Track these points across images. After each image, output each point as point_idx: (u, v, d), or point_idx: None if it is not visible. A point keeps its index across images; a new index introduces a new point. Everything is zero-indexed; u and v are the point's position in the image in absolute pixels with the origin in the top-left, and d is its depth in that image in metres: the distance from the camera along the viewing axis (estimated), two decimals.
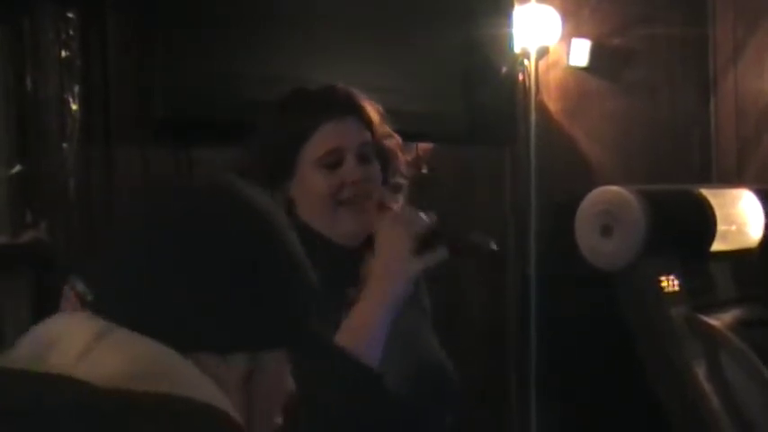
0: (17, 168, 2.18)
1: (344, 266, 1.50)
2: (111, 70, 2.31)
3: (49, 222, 2.20)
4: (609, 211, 2.68)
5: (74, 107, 2.23)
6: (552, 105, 3.28)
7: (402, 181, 1.64)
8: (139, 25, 2.32)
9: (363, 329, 1.40)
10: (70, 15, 2.22)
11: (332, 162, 1.52)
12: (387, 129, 1.62)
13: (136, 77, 2.33)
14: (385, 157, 1.60)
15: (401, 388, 1.43)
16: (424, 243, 1.43)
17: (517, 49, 3.09)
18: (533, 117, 3.08)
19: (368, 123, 1.58)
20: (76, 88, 2.24)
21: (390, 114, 1.66)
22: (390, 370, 1.41)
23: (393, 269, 1.43)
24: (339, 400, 1.36)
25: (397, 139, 1.63)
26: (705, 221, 2.80)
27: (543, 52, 3.16)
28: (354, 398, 1.37)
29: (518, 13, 3.05)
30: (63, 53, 2.22)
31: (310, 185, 1.52)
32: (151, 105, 2.32)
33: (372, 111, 1.60)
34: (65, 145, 2.22)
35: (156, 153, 2.39)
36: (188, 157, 2.43)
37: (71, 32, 2.22)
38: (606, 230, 2.67)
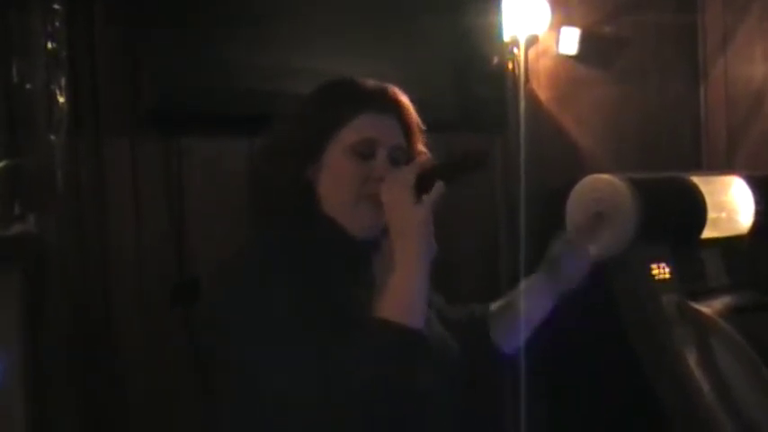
0: (5, 161, 2.17)
1: (360, 257, 1.53)
2: (99, 62, 2.30)
3: (38, 215, 2.19)
4: (600, 198, 2.67)
5: (61, 99, 2.22)
6: (542, 94, 3.28)
7: None
8: (126, 16, 2.31)
9: (399, 296, 1.40)
10: (56, 7, 2.21)
11: (364, 152, 1.52)
12: (421, 145, 1.62)
13: (123, 69, 2.32)
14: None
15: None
16: (421, 188, 1.44)
17: (507, 38, 3.08)
18: (523, 105, 3.08)
19: (406, 130, 1.59)
20: (63, 80, 2.23)
21: None
22: None
23: (406, 228, 1.43)
24: (391, 369, 1.36)
25: (429, 157, 1.60)
26: (696, 209, 2.81)
27: (533, 41, 3.16)
28: (405, 364, 1.37)
29: (507, 1, 3.05)
30: (50, 45, 2.20)
31: (337, 171, 1.52)
32: (139, 96, 2.32)
33: (414, 122, 1.61)
34: (52, 137, 2.21)
35: (144, 144, 2.39)
36: (177, 148, 2.42)
37: (57, 24, 2.21)
38: (597, 218, 2.66)
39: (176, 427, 2.38)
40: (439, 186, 1.43)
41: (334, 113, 1.53)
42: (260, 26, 2.46)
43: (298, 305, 1.40)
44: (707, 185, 2.87)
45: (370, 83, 1.58)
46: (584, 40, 3.29)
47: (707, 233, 2.84)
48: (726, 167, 3.52)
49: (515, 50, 3.11)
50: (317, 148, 1.52)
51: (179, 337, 2.39)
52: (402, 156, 1.55)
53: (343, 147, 1.52)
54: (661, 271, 2.70)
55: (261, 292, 1.42)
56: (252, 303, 1.42)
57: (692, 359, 2.56)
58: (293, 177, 1.52)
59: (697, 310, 2.64)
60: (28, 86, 2.19)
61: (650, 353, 2.63)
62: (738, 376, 2.54)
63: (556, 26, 3.24)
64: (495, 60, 3.03)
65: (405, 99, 1.60)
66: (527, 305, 1.69)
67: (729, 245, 2.94)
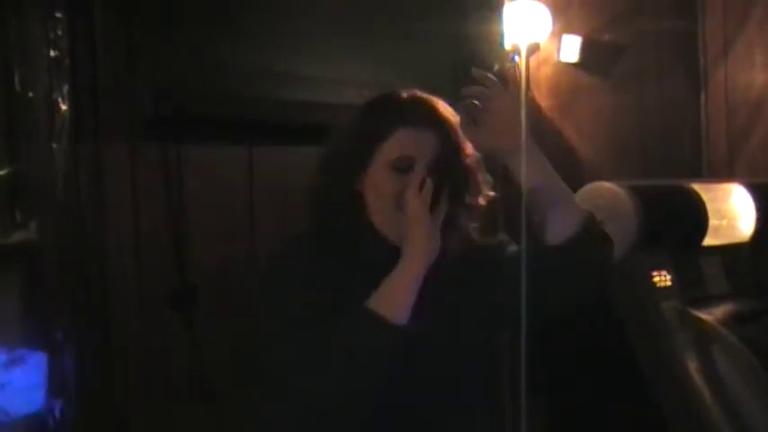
0: (6, 169, 2.17)
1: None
2: (100, 69, 2.30)
3: (39, 223, 2.19)
4: (600, 206, 2.67)
5: (63, 107, 2.22)
6: (543, 101, 3.29)
7: (480, 201, 1.70)
8: (128, 24, 2.31)
9: (389, 290, 1.52)
10: (58, 15, 2.22)
11: (402, 167, 1.60)
12: (467, 146, 1.66)
13: (125, 76, 2.33)
14: (461, 174, 1.66)
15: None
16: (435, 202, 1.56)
17: (508, 46, 3.09)
18: (523, 113, 3.07)
19: (446, 138, 1.63)
20: (65, 88, 2.23)
21: None
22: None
23: (413, 231, 1.54)
24: (371, 357, 1.48)
25: (477, 156, 1.67)
26: (696, 216, 2.81)
27: (534, 48, 3.16)
28: (377, 355, 1.48)
29: (508, 9, 3.05)
30: (51, 53, 2.21)
31: (378, 184, 1.61)
32: (140, 104, 2.32)
33: (454, 133, 1.65)
34: (54, 145, 2.21)
35: (145, 152, 2.39)
36: (177, 155, 2.42)
37: (59, 32, 2.21)
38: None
39: (177, 429, 2.39)
40: (444, 205, 1.56)
41: (375, 129, 1.62)
42: (260, 33, 2.46)
43: (309, 303, 1.53)
44: (708, 193, 2.87)
45: (410, 97, 1.65)
46: (585, 48, 3.29)
47: (708, 240, 2.84)
48: (726, 175, 3.52)
49: (516, 58, 3.11)
50: (364, 161, 1.62)
51: (180, 341, 2.40)
52: (441, 167, 1.61)
53: (383, 162, 1.61)
54: (662, 278, 2.70)
55: (278, 290, 1.59)
56: (271, 297, 1.59)
57: (692, 366, 2.56)
58: (343, 189, 1.63)
59: (698, 318, 2.64)
60: (30, 94, 2.19)
61: (651, 359, 2.63)
62: (739, 383, 2.53)
63: (557, 34, 3.25)
64: (496, 68, 3.03)
65: (444, 110, 1.65)
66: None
67: (730, 252, 2.94)
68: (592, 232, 1.63)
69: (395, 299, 1.51)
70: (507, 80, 1.62)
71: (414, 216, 1.53)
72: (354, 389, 1.48)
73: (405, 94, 1.65)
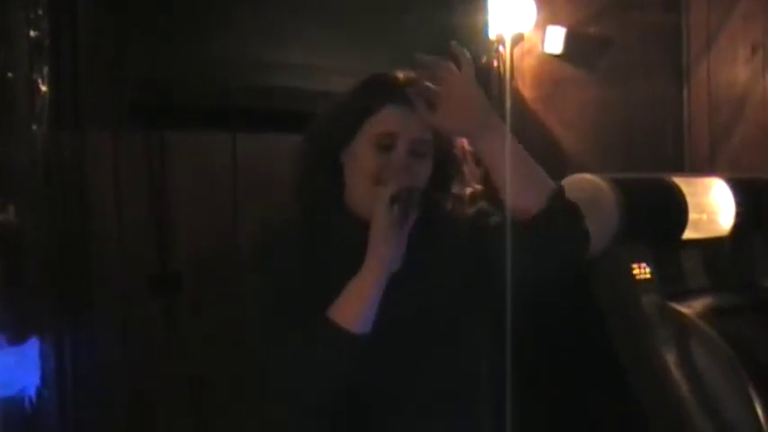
0: None
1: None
2: (82, 51, 2.28)
3: (18, 205, 2.17)
4: (582, 198, 2.65)
5: (43, 89, 2.20)
6: (527, 92, 3.29)
7: (468, 190, 1.70)
8: (111, 6, 2.29)
9: (351, 300, 1.53)
10: None
11: (384, 144, 1.59)
12: (450, 142, 1.66)
13: (107, 59, 2.30)
14: (445, 163, 1.66)
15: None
16: (401, 203, 1.55)
17: (492, 36, 3.08)
18: (508, 104, 3.08)
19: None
20: (46, 69, 2.20)
21: None
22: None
23: (377, 236, 1.54)
24: (329, 362, 1.51)
25: (467, 148, 1.66)
26: (677, 210, 2.81)
27: (518, 39, 3.16)
28: (336, 363, 1.51)
29: None
30: (32, 33, 2.18)
31: (359, 159, 1.61)
32: (122, 88, 2.30)
33: None
34: (34, 127, 2.19)
35: (126, 137, 2.37)
36: (159, 139, 2.40)
37: (40, 12, 2.19)
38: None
39: (158, 416, 2.38)
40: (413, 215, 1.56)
41: (363, 104, 1.62)
42: (245, 21, 2.45)
43: (278, 291, 1.56)
44: (688, 187, 2.88)
45: (403, 76, 1.63)
46: (570, 40, 3.30)
47: (688, 234, 2.85)
48: (708, 169, 3.53)
49: (501, 49, 3.11)
50: (348, 134, 1.62)
51: (160, 327, 2.39)
52: (427, 149, 1.61)
53: (367, 137, 1.60)
54: (642, 271, 2.70)
55: (253, 276, 1.62)
56: (248, 284, 1.61)
57: (671, 360, 2.56)
58: (326, 157, 1.64)
59: (677, 311, 2.64)
60: (9, 75, 2.16)
61: (630, 353, 2.63)
62: (717, 377, 2.54)
63: (541, 25, 3.25)
64: (480, 58, 3.03)
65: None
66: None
67: (710, 246, 2.95)
68: (562, 204, 1.64)
69: (352, 308, 1.52)
70: (459, 60, 1.59)
71: (379, 231, 1.54)
72: (317, 391, 1.52)
73: (399, 75, 1.64)
